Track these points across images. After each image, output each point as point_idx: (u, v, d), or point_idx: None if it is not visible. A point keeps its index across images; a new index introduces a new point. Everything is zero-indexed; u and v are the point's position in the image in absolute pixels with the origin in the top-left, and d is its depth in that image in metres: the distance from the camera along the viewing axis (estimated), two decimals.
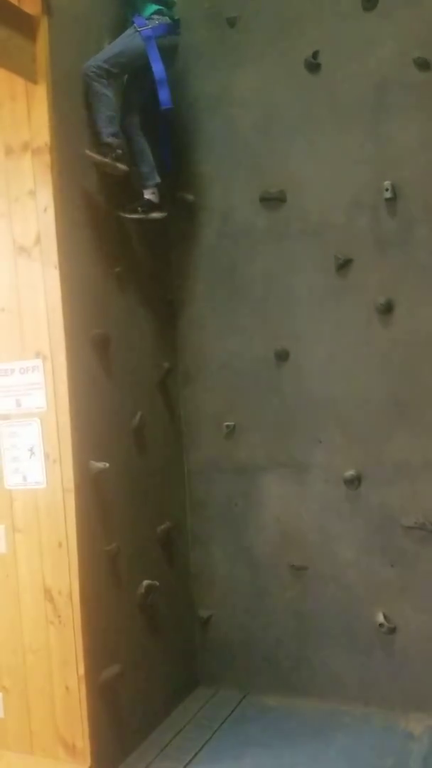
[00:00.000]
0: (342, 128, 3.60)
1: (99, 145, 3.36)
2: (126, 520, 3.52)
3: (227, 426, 3.93)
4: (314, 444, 3.75)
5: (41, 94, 3.14)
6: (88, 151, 3.31)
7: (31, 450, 3.24)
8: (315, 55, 3.59)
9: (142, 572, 3.60)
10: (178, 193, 3.88)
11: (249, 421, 3.89)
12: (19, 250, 3.20)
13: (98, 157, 3.33)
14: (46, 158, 3.12)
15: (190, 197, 3.90)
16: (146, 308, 3.82)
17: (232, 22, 3.77)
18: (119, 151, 3.35)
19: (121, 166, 3.39)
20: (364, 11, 3.52)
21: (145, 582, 3.58)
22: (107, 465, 3.28)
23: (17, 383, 3.26)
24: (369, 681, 3.67)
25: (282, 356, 3.80)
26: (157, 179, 3.64)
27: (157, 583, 3.63)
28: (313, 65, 3.62)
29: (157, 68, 3.43)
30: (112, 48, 3.43)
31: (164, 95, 3.47)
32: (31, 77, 3.13)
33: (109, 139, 3.35)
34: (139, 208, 3.59)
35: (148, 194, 3.61)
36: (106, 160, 3.34)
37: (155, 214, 3.63)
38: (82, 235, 3.32)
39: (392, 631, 3.59)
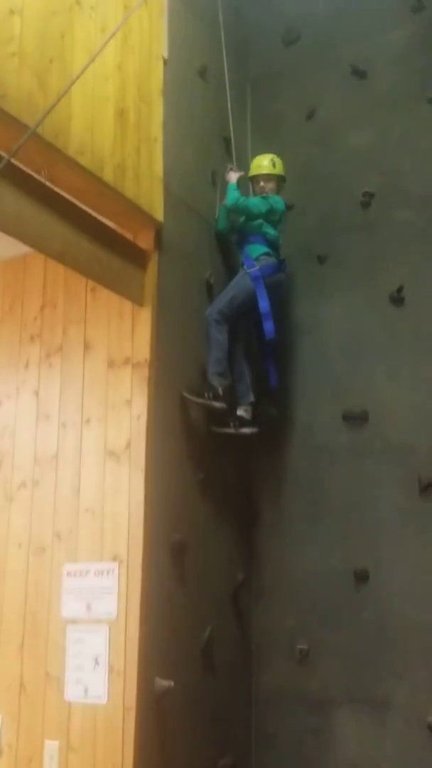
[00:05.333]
0: (424, 357, 3.74)
1: (204, 381, 3.65)
2: (186, 749, 3.25)
3: (300, 650, 3.70)
4: (395, 678, 3.46)
5: (146, 316, 3.45)
6: (185, 393, 3.55)
7: (96, 660, 3.12)
8: (399, 290, 3.85)
9: None
10: (262, 406, 4.02)
11: (324, 646, 3.66)
12: (110, 454, 3.34)
13: (195, 399, 3.58)
14: (145, 372, 3.35)
15: (274, 411, 4.04)
16: (225, 516, 3.82)
17: (322, 260, 4.13)
18: (219, 390, 3.60)
19: (218, 404, 3.61)
20: None
21: None
22: (173, 684, 3.10)
23: (91, 586, 3.23)
24: None
25: (361, 577, 3.65)
26: (251, 398, 3.84)
27: None
28: (398, 299, 3.86)
29: (263, 304, 3.78)
30: (226, 293, 3.83)
31: (269, 327, 3.79)
32: (138, 301, 3.47)
33: (213, 378, 3.63)
34: (231, 423, 3.76)
35: (241, 411, 3.79)
36: (201, 400, 3.59)
37: (246, 430, 3.79)
38: (171, 443, 3.45)
39: None
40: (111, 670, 3.07)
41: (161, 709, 3.10)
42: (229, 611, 3.75)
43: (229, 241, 4.14)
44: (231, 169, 4.06)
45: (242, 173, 4.08)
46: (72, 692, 3.13)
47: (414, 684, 3.43)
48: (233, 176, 4.02)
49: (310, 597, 3.77)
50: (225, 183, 4.04)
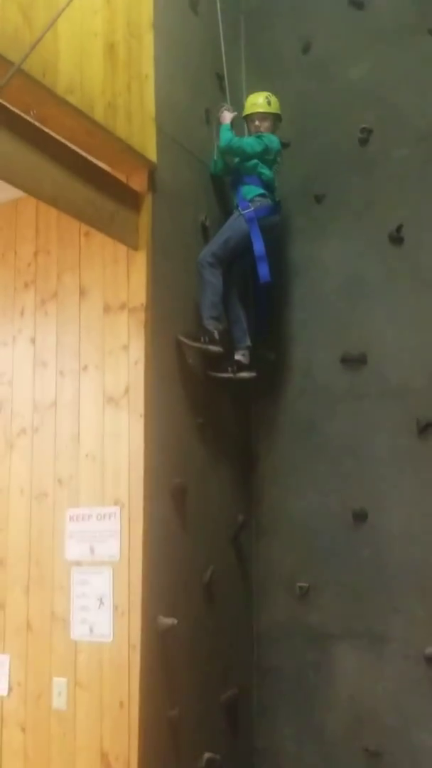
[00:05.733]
0: (424, 297, 3.71)
1: (199, 326, 3.60)
2: (190, 682, 3.35)
3: (300, 587, 3.78)
4: (392, 613, 3.55)
5: (141, 259, 3.40)
6: (180, 337, 3.52)
7: (100, 600, 3.19)
8: (399, 229, 3.79)
9: (204, 743, 3.37)
10: (259, 351, 4.00)
11: (323, 583, 3.74)
12: (108, 399, 3.35)
13: (190, 343, 3.54)
14: (141, 317, 3.33)
15: (272, 356, 4.02)
16: (224, 460, 3.85)
17: (319, 199, 4.06)
18: (215, 334, 3.55)
19: (214, 349, 3.57)
20: None
21: (206, 755, 3.33)
22: (176, 621, 3.18)
23: (93, 529, 3.28)
24: None
25: (360, 516, 3.70)
26: (248, 342, 3.81)
27: (219, 757, 3.37)
28: (397, 238, 3.80)
29: (258, 246, 3.71)
30: (220, 235, 3.75)
31: (263, 271, 3.72)
32: (132, 244, 3.42)
33: (208, 322, 3.59)
34: (229, 368, 3.74)
35: (239, 355, 3.77)
36: (198, 344, 3.55)
37: (243, 374, 3.77)
38: (169, 388, 3.45)
39: None
40: (115, 609, 3.14)
41: (165, 645, 3.19)
42: (230, 552, 3.82)
43: (224, 182, 4.06)
44: (225, 109, 3.95)
45: (236, 113, 3.97)
46: (78, 631, 3.21)
47: (411, 619, 3.51)
48: (227, 116, 3.92)
49: (309, 537, 3.82)
50: (219, 123, 3.94)
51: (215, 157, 3.96)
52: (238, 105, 4.05)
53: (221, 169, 3.98)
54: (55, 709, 3.20)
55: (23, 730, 3.29)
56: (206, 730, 3.42)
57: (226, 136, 3.82)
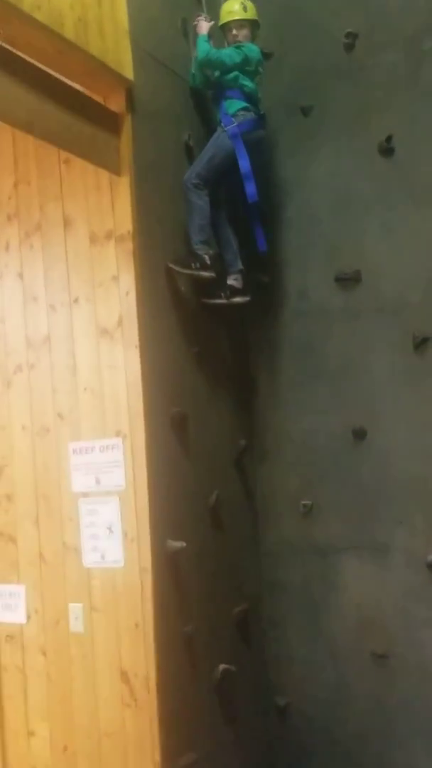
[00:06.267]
0: (417, 209, 3.62)
1: (189, 251, 3.52)
2: (202, 600, 3.46)
3: (304, 505, 3.86)
4: (395, 525, 3.64)
5: (124, 185, 3.30)
6: (171, 264, 3.44)
7: (109, 528, 3.26)
8: (388, 139, 3.67)
9: (218, 655, 3.52)
10: (253, 275, 3.94)
11: (327, 501, 3.82)
12: (102, 332, 3.31)
13: (181, 269, 3.47)
14: (129, 245, 3.25)
15: (266, 279, 3.97)
16: (223, 386, 3.86)
17: (306, 111, 3.91)
18: (205, 258, 3.47)
19: (206, 274, 3.49)
20: None
21: (222, 666, 3.49)
22: (184, 544, 3.26)
23: (97, 461, 3.31)
24: None
25: (360, 434, 3.74)
26: (240, 266, 3.74)
27: (234, 668, 3.53)
28: (387, 149, 3.69)
29: (243, 164, 3.59)
30: (204, 155, 3.62)
31: (251, 189, 3.61)
32: (114, 170, 3.31)
33: (198, 247, 3.50)
34: (222, 293, 3.69)
35: (231, 280, 3.71)
36: (189, 271, 3.47)
37: (238, 299, 3.72)
38: (163, 317, 3.41)
39: None
40: (125, 536, 3.21)
41: (176, 567, 3.28)
42: (233, 475, 3.88)
43: (206, 98, 3.89)
44: (201, 19, 3.74)
45: (213, 23, 3.77)
46: (90, 559, 3.29)
47: (412, 529, 3.60)
48: (204, 27, 3.72)
49: (311, 456, 3.88)
50: (196, 34, 3.74)
51: (193, 70, 3.79)
52: (215, 14, 3.84)
53: (200, 81, 3.80)
54: (73, 633, 3.31)
55: (44, 653, 3.42)
56: (220, 644, 3.56)
57: (203, 48, 3.64)
